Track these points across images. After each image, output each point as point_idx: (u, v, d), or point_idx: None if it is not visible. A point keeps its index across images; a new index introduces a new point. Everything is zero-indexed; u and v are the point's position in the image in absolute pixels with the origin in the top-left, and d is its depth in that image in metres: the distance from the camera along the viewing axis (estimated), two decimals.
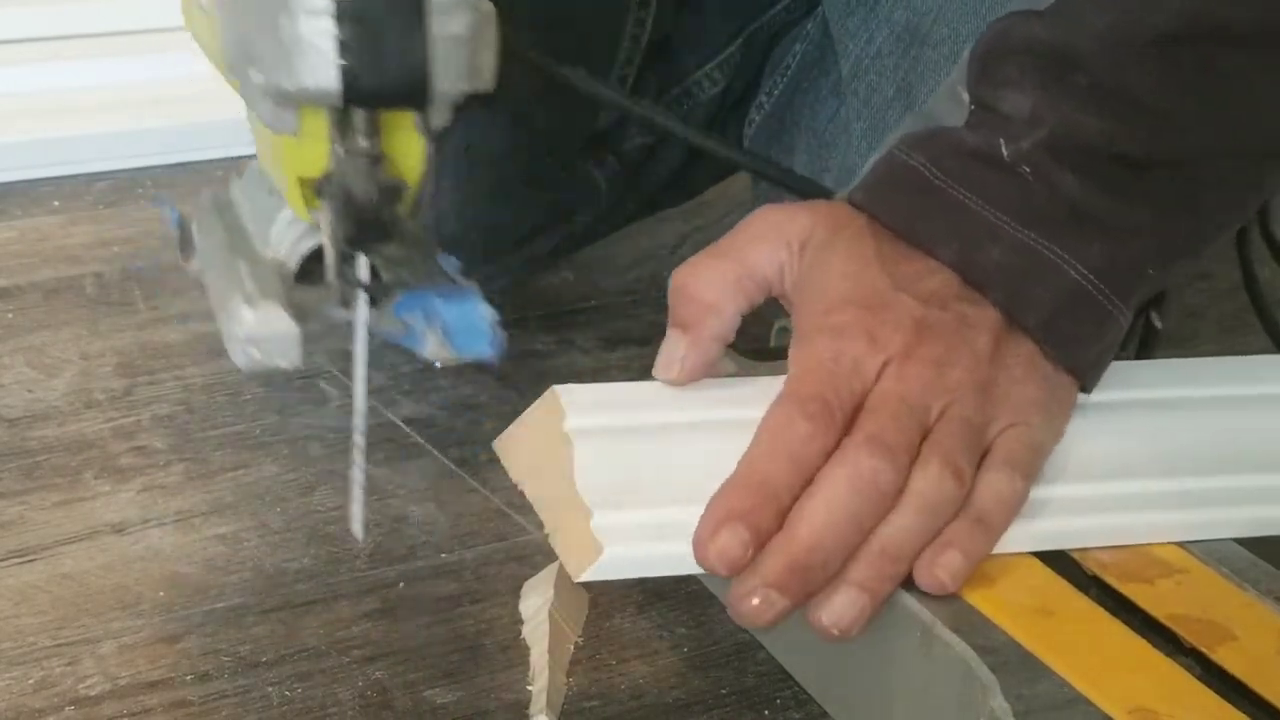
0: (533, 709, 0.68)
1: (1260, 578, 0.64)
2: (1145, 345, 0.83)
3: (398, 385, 0.96)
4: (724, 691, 0.70)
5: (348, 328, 0.62)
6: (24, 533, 0.81)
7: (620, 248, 1.16)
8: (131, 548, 0.79)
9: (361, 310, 0.60)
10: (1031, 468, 0.65)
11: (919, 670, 0.60)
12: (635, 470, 0.63)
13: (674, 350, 0.66)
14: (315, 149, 0.59)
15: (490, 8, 0.60)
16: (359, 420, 0.60)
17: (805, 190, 0.85)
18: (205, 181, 1.25)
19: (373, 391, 0.95)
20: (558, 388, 0.66)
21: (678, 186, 1.12)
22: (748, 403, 0.63)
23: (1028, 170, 0.65)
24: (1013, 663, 0.58)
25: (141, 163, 1.32)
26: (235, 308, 0.61)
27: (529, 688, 0.70)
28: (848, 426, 0.61)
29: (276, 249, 0.64)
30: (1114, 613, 0.62)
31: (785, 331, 0.70)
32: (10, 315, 1.04)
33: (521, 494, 0.65)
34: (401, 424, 0.92)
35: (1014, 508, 0.64)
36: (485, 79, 0.59)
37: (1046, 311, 0.64)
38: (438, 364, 0.63)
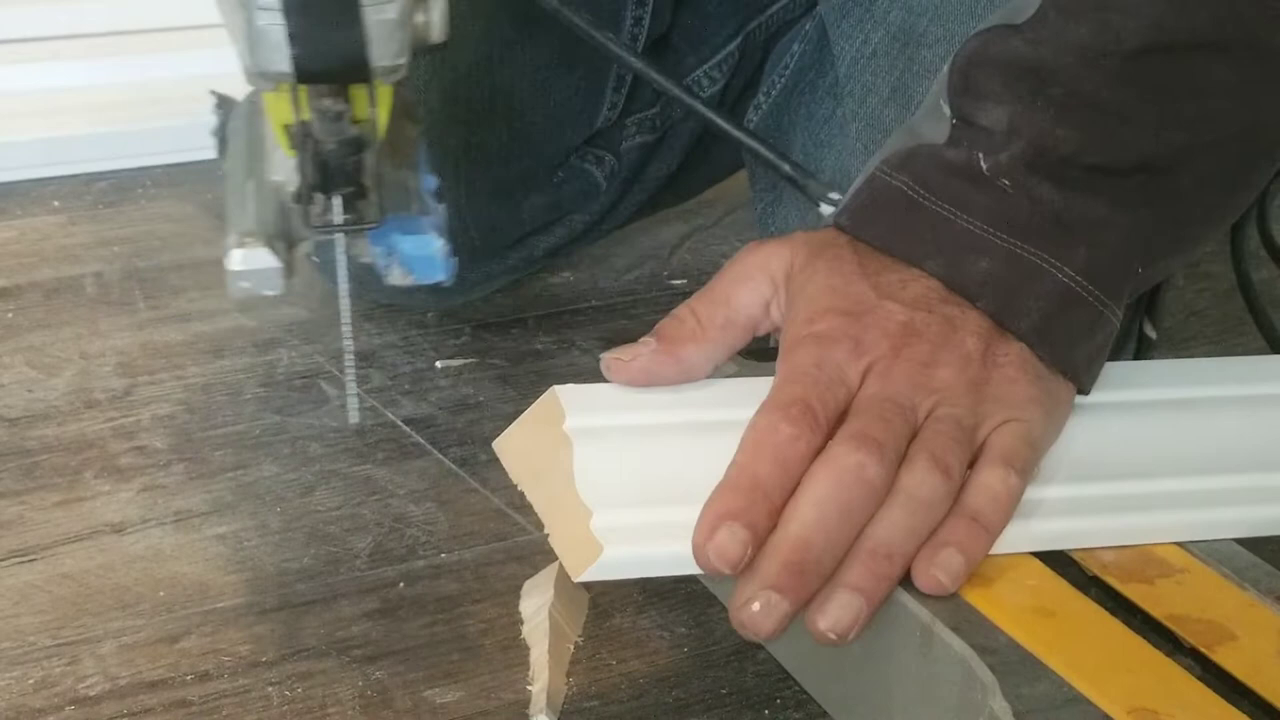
0: (533, 709, 0.68)
1: (1260, 578, 0.64)
2: (1140, 356, 0.83)
3: (398, 385, 0.96)
4: (724, 691, 0.70)
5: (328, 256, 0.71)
6: (24, 533, 0.81)
7: (620, 248, 1.16)
8: (131, 548, 0.79)
9: (340, 244, 0.68)
10: (1027, 463, 0.64)
11: (919, 670, 0.60)
12: (635, 470, 0.63)
13: (639, 348, 0.67)
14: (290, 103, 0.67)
15: None
16: (346, 330, 0.69)
17: (804, 182, 0.85)
18: (206, 181, 1.26)
19: (373, 391, 0.95)
20: (557, 388, 0.66)
21: (677, 186, 1.12)
22: (747, 403, 0.63)
23: (1007, 183, 0.65)
24: (1013, 663, 0.58)
25: (141, 163, 1.32)
26: (228, 246, 0.69)
27: (529, 688, 0.70)
28: (833, 431, 0.62)
29: (278, 172, 0.70)
30: (1114, 613, 0.62)
31: None
32: (10, 315, 1.04)
33: (521, 494, 0.65)
34: (401, 424, 0.92)
35: (1009, 504, 0.63)
36: (436, 36, 0.67)
37: (1037, 316, 0.65)
38: (394, 283, 0.71)
